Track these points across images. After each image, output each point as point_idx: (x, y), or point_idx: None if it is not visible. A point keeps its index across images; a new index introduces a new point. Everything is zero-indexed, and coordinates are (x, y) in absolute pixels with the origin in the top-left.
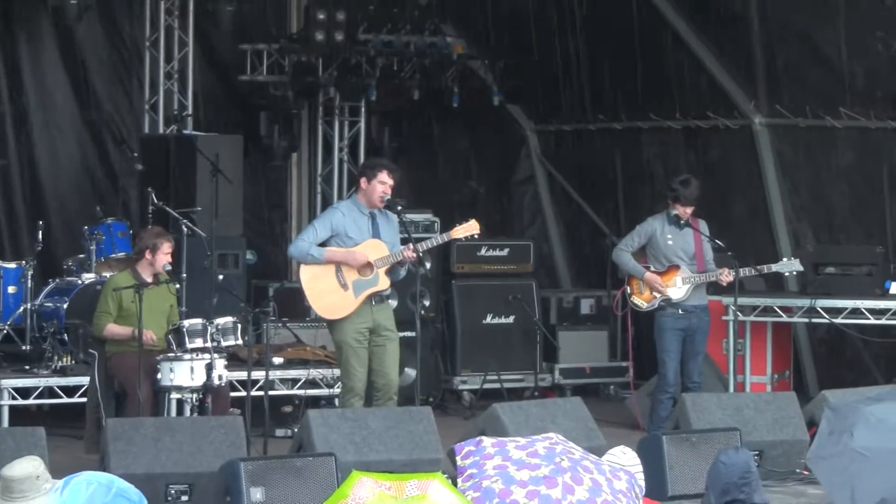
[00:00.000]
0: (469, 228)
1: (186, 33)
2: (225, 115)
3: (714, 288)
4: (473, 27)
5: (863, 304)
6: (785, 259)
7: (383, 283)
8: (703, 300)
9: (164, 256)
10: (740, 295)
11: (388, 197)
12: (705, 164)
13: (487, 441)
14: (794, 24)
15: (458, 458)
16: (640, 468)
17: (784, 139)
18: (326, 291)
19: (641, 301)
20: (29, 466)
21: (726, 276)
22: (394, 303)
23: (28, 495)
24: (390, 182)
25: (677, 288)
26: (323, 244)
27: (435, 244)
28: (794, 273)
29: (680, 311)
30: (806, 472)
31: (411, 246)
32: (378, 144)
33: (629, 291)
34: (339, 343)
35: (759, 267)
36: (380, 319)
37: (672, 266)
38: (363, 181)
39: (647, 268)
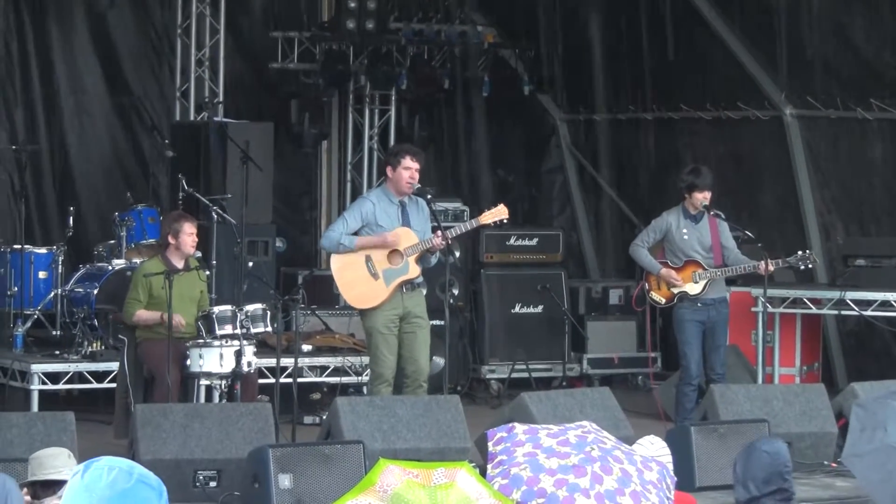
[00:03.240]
0: (497, 213)
1: (218, 21)
2: (255, 103)
3: (744, 279)
4: (504, 16)
5: (892, 296)
6: (800, 252)
7: (413, 270)
8: (723, 293)
9: (188, 237)
10: (770, 287)
11: (416, 182)
12: (735, 155)
13: (519, 428)
14: (825, 15)
15: (489, 444)
16: (670, 457)
17: (814, 130)
18: (357, 281)
19: (660, 297)
20: (59, 448)
21: (764, 266)
22: (423, 290)
23: (62, 471)
24: (415, 166)
25: (694, 283)
26: (356, 234)
27: (464, 230)
28: (810, 265)
29: (699, 304)
30: (834, 465)
31: (440, 233)
32: (408, 133)
33: (648, 287)
34: (370, 330)
35: (779, 259)
36: (410, 307)
37: (689, 260)
38: (389, 169)
39: (665, 263)
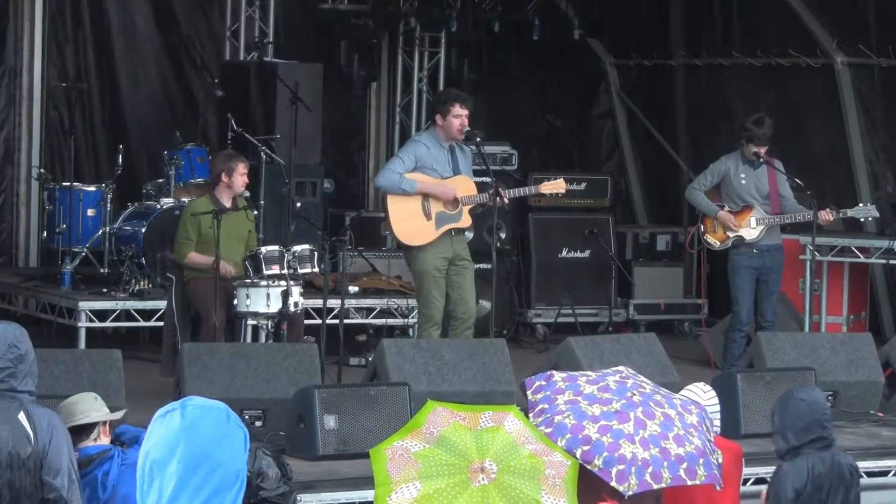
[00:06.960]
0: (556, 186)
1: None
2: (305, 44)
3: (792, 227)
4: None
5: None
6: (861, 204)
7: (466, 220)
8: (778, 239)
9: (240, 177)
10: (818, 235)
11: (467, 128)
12: (785, 103)
13: (558, 376)
14: None
15: (529, 393)
16: (718, 407)
17: (865, 79)
18: (409, 216)
19: (715, 240)
20: (83, 393)
21: (826, 215)
22: (470, 235)
23: (91, 414)
24: (465, 112)
25: (751, 228)
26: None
27: (521, 195)
28: (870, 219)
29: (754, 250)
30: (881, 414)
31: (501, 191)
32: (457, 76)
33: (703, 230)
34: (420, 273)
35: (840, 210)
36: (458, 250)
37: (746, 206)
38: (438, 117)
39: (721, 207)
